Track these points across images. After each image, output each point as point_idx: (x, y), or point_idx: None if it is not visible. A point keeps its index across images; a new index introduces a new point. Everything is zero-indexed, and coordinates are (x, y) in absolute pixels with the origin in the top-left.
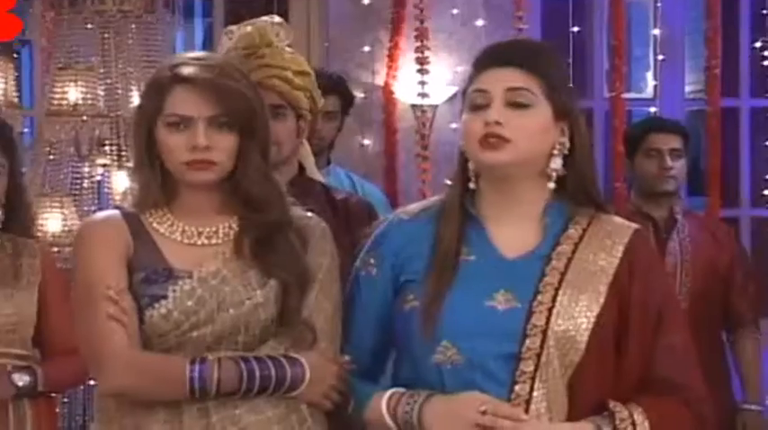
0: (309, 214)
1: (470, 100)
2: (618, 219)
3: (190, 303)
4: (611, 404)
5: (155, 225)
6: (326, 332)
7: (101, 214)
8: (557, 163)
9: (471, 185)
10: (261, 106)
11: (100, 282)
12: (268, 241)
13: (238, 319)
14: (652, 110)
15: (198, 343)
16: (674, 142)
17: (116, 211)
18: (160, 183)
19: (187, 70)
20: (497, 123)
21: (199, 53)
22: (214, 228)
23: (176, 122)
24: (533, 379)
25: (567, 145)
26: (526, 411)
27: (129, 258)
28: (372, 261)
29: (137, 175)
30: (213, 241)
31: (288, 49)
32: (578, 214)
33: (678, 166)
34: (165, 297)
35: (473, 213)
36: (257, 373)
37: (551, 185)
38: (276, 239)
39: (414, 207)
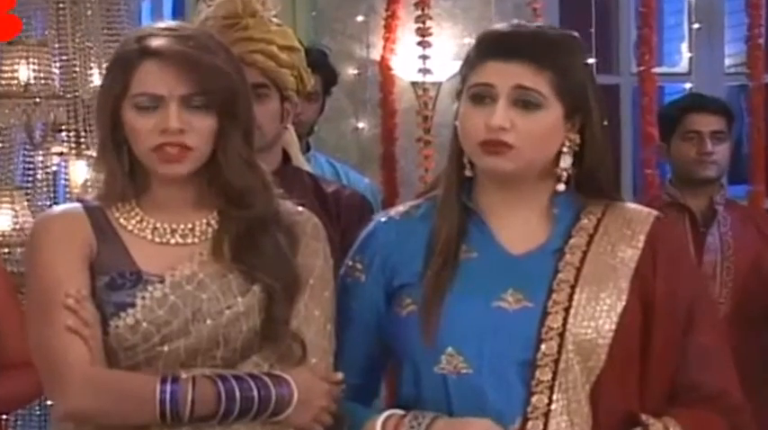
0: (300, 209)
1: (472, 92)
2: (636, 206)
3: (161, 312)
4: (644, 417)
5: (122, 221)
6: (317, 345)
7: (59, 208)
8: (566, 162)
9: (468, 173)
10: (243, 84)
11: (57, 288)
12: (251, 241)
13: (217, 331)
14: (687, 86)
15: (170, 358)
16: (716, 123)
17: (77, 205)
18: (128, 173)
19: (156, 42)
20: (501, 129)
21: (171, 23)
22: (190, 225)
23: (145, 103)
24: (551, 388)
25: (578, 140)
26: (545, 427)
27: (92, 260)
28: (359, 266)
29: (101, 164)
30: (189, 240)
31: (274, 19)
32: (590, 204)
33: (720, 151)
34: (132, 305)
35: (471, 207)
36: (237, 394)
37: (561, 187)
38: (260, 239)
39: (405, 205)
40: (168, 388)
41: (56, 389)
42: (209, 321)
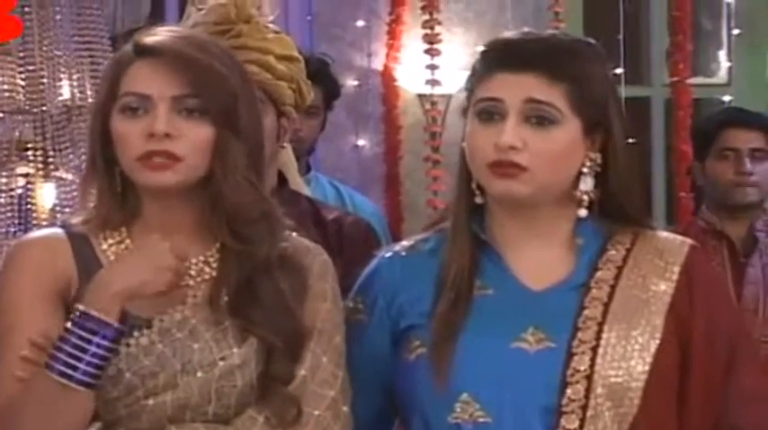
0: (308, 244)
1: (479, 108)
2: (668, 235)
3: (147, 362)
4: None
5: (109, 254)
6: (322, 396)
7: (39, 233)
8: (587, 184)
9: (478, 200)
10: (248, 94)
11: (13, 328)
12: (251, 290)
13: (208, 385)
14: (725, 98)
15: (155, 413)
16: (756, 140)
17: (59, 231)
18: (119, 196)
19: (150, 40)
20: (512, 148)
21: (170, 26)
22: (185, 264)
23: (132, 105)
24: None
25: (599, 160)
26: None
27: (69, 295)
28: (361, 307)
29: (88, 184)
30: (182, 282)
31: (271, 26)
32: (618, 232)
33: (761, 171)
34: (115, 352)
35: (484, 238)
36: None
37: (583, 212)
38: (262, 287)
39: (411, 239)
40: None
41: None
42: (199, 373)
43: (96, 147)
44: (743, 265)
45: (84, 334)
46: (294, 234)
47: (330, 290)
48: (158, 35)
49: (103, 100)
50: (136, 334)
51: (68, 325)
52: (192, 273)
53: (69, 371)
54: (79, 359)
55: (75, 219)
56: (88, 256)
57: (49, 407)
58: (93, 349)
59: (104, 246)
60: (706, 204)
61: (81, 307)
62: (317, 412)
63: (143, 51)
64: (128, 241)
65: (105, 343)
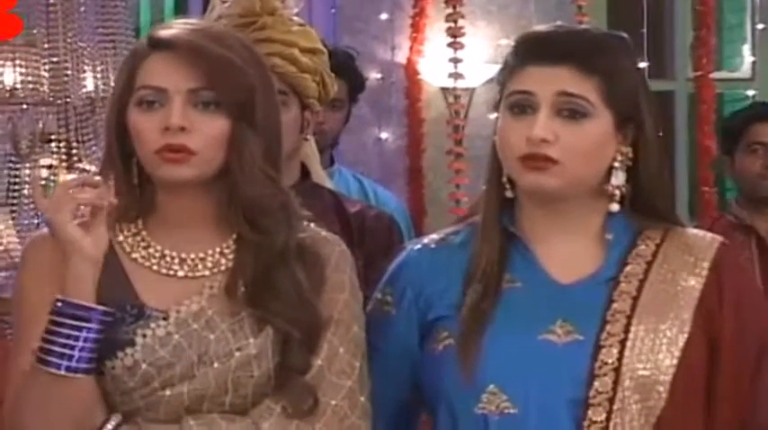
0: (326, 235)
1: (511, 101)
2: (698, 232)
3: (163, 353)
4: None
5: (125, 246)
6: (339, 386)
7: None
8: (619, 178)
9: (508, 194)
10: (267, 88)
11: (27, 325)
12: (268, 281)
13: (225, 376)
14: (749, 93)
15: (173, 404)
16: None
17: None
18: (136, 188)
19: (167, 33)
20: (543, 141)
21: (190, 20)
22: (201, 255)
23: (149, 99)
24: None
25: (631, 154)
26: None
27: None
28: (389, 299)
29: (105, 176)
30: (198, 272)
31: (295, 18)
32: (648, 228)
33: None
34: (131, 343)
35: (514, 232)
36: None
37: (615, 207)
38: (279, 278)
39: (441, 232)
40: None
41: None
42: (216, 364)
43: (113, 140)
44: None
45: (73, 322)
46: (312, 225)
47: (348, 280)
48: (174, 28)
49: (120, 93)
50: (152, 325)
51: (53, 317)
52: (209, 264)
53: (64, 362)
54: (72, 347)
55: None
56: (106, 251)
57: (46, 399)
58: (84, 335)
59: (120, 238)
60: (736, 199)
61: (61, 297)
62: (333, 402)
63: (158, 44)
64: (144, 233)
65: (95, 326)
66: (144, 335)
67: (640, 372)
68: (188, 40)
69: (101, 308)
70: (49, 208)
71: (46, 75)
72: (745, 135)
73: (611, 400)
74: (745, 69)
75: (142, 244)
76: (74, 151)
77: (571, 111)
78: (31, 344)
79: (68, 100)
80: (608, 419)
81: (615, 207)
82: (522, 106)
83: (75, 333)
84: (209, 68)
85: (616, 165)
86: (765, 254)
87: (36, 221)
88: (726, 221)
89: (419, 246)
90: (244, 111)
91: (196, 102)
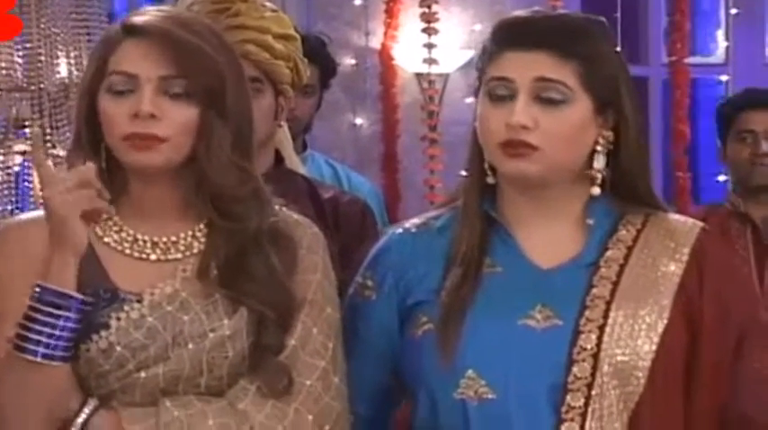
0: (297, 217)
1: (489, 88)
2: (679, 217)
3: (137, 335)
4: None
5: (98, 231)
6: (313, 366)
7: (25, 216)
8: (600, 162)
9: (489, 180)
10: (237, 77)
11: (6, 313)
12: (241, 264)
13: (199, 357)
14: (722, 78)
15: (148, 385)
16: None
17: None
18: (105, 173)
19: (140, 19)
20: (523, 128)
21: (161, 6)
22: (173, 238)
23: (119, 86)
24: (584, 416)
25: (612, 138)
26: None
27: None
28: (369, 283)
29: (74, 161)
30: (171, 256)
31: (268, 4)
32: (629, 213)
33: None
34: (106, 326)
35: (495, 217)
36: None
37: (596, 191)
38: (252, 261)
39: (422, 216)
40: None
41: None
42: (190, 345)
43: (82, 125)
44: (766, 247)
45: (52, 310)
46: (284, 209)
47: (321, 262)
48: (147, 15)
49: (91, 78)
50: (126, 308)
51: (32, 304)
52: (181, 247)
53: (41, 349)
54: (50, 335)
55: None
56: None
57: (22, 386)
58: (62, 323)
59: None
60: (734, 187)
61: (41, 283)
62: (308, 382)
63: (132, 31)
64: (115, 218)
65: (73, 315)
66: (118, 319)
67: (619, 358)
68: (161, 27)
69: (80, 296)
70: (63, 205)
71: (19, 61)
72: (736, 123)
73: (590, 386)
74: (718, 55)
75: (114, 228)
76: (47, 137)
77: (549, 98)
78: (7, 333)
79: (42, 86)
80: (586, 405)
81: (597, 191)
82: (500, 93)
83: (54, 320)
84: (180, 56)
85: (598, 149)
86: (760, 242)
87: (9, 208)
88: (723, 210)
89: (400, 230)
90: (214, 99)
91: (166, 89)
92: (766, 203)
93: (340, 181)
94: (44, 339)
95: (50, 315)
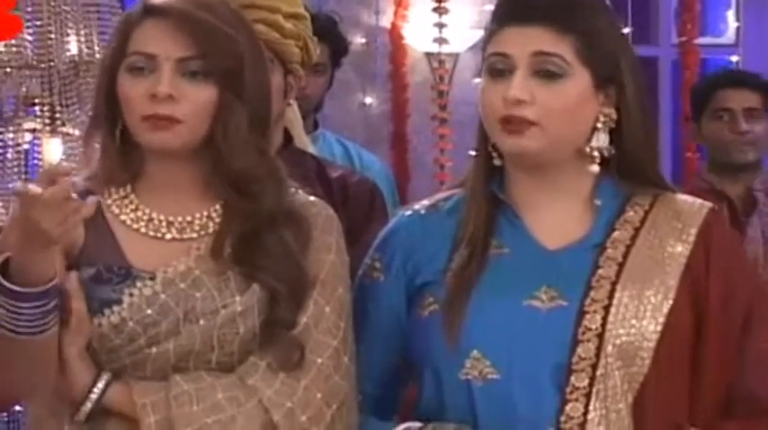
0: (313, 199)
1: (489, 64)
2: (687, 198)
3: (149, 311)
4: None
5: (114, 209)
6: (325, 344)
7: None
8: (600, 140)
9: (496, 162)
10: (256, 57)
11: None
12: (256, 240)
13: (210, 333)
14: (733, 58)
15: (159, 361)
16: (750, 100)
17: None
18: (124, 153)
19: (160, 0)
20: (520, 102)
21: None
22: (189, 218)
23: (139, 66)
24: (588, 396)
25: (614, 115)
26: None
27: (76, 249)
28: (378, 265)
29: (91, 140)
30: (186, 235)
31: None
32: (637, 194)
33: (757, 130)
34: (118, 302)
35: (502, 198)
36: None
37: (594, 169)
38: (267, 238)
39: (432, 198)
40: None
41: None
42: (201, 321)
43: (101, 104)
44: (743, 225)
45: (11, 301)
46: (300, 191)
47: (335, 243)
48: None
49: (111, 58)
50: (139, 284)
51: None
52: (197, 227)
53: (10, 330)
54: (17, 320)
55: (79, 176)
56: (95, 213)
57: (6, 355)
58: (26, 312)
59: (109, 201)
60: (707, 165)
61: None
62: (319, 360)
63: (152, 11)
64: (132, 196)
65: (37, 303)
66: (131, 295)
67: (623, 338)
68: (180, 8)
69: (36, 290)
70: (55, 224)
71: (29, 38)
72: (712, 101)
73: (594, 366)
74: (729, 35)
75: (130, 206)
76: (57, 115)
77: (546, 71)
78: None
79: (52, 64)
80: (591, 385)
81: (595, 169)
82: (499, 68)
83: (15, 310)
84: (199, 37)
85: (599, 126)
86: (737, 219)
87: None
88: (697, 187)
89: (409, 212)
90: (232, 80)
91: (185, 70)
92: (743, 181)
93: (351, 159)
94: (11, 324)
95: (11, 305)
